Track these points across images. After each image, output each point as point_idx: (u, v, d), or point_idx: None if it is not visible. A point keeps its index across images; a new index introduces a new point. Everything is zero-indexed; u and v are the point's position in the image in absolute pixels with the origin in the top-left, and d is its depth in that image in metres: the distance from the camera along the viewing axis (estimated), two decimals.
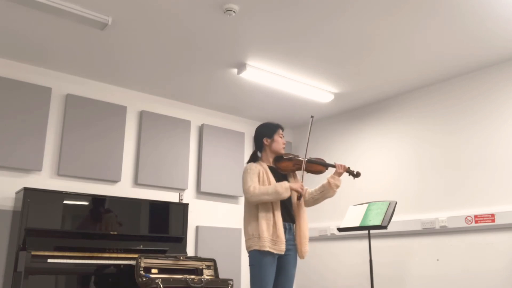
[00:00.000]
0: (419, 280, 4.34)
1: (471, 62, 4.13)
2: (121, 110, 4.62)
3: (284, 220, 2.92)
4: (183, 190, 4.93)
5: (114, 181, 4.48)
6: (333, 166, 3.07)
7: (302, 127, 5.96)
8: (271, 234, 2.83)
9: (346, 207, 5.00)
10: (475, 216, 4.01)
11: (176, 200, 4.59)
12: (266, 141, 3.06)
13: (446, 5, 3.22)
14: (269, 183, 2.94)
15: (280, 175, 3.06)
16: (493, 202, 3.97)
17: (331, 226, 5.22)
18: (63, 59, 4.11)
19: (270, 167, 3.04)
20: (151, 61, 4.15)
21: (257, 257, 2.84)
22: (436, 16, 3.37)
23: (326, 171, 3.14)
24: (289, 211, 3.00)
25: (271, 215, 2.86)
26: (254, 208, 2.92)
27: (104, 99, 4.56)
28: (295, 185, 2.92)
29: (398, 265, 4.55)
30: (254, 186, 2.87)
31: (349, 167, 3.08)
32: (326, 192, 3.04)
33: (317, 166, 3.08)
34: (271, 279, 2.83)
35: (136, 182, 4.61)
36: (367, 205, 4.23)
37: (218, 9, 3.27)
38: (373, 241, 4.76)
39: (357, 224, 4.11)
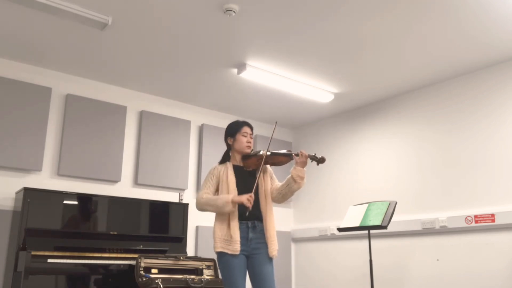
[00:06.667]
0: (419, 280, 4.34)
1: (471, 63, 4.13)
2: (121, 110, 4.62)
3: (247, 218, 2.78)
4: (183, 190, 4.93)
5: (114, 181, 4.48)
6: (296, 155, 2.85)
7: (302, 127, 5.96)
8: (224, 234, 2.76)
9: (346, 207, 5.00)
10: (475, 216, 4.01)
11: (176, 200, 4.59)
12: (230, 140, 2.98)
13: (448, 5, 3.22)
14: (227, 183, 2.85)
15: (246, 173, 2.95)
16: (493, 202, 3.97)
17: (331, 226, 5.22)
18: (63, 59, 4.10)
19: (236, 166, 2.96)
20: (151, 61, 4.14)
21: (218, 258, 2.79)
22: (437, 17, 3.37)
23: (292, 161, 2.93)
24: (257, 207, 2.82)
25: (225, 214, 2.78)
26: None
27: (104, 99, 4.56)
28: (241, 197, 2.70)
29: (398, 265, 4.54)
30: (205, 192, 2.83)
31: (314, 154, 2.85)
32: (291, 185, 2.84)
33: (279, 157, 2.90)
34: (237, 279, 2.71)
35: (136, 182, 4.60)
36: (367, 205, 4.22)
37: (218, 9, 3.27)
38: (373, 241, 4.75)
39: (357, 224, 4.10)
